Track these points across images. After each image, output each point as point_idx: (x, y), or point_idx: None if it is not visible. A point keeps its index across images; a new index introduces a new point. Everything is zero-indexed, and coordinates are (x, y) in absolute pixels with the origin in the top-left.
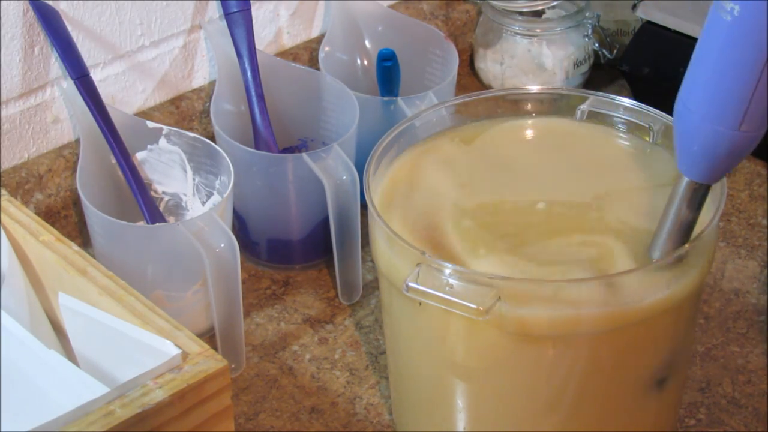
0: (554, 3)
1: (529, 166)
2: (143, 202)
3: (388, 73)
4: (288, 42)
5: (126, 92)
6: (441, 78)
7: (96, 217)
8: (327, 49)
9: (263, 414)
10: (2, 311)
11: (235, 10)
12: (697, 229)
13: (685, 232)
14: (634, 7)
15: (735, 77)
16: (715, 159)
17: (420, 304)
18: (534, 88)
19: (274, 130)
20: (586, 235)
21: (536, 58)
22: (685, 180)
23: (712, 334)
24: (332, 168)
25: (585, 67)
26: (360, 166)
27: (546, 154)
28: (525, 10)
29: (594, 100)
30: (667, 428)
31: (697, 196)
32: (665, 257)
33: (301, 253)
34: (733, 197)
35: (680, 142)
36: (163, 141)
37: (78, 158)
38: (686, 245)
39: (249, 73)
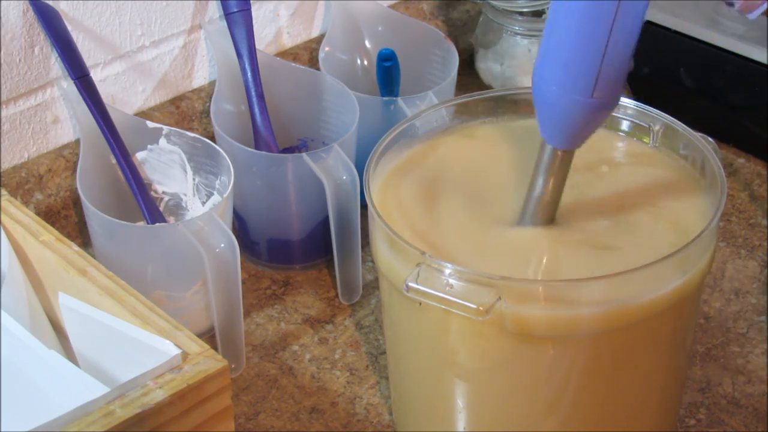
0: None
1: (528, 165)
2: (143, 202)
3: (388, 73)
4: (288, 42)
5: (126, 92)
6: (441, 78)
7: (96, 217)
8: (327, 49)
9: (263, 414)
10: (2, 311)
11: (235, 10)
12: (697, 229)
13: (552, 200)
14: None
15: (584, 47)
16: (573, 126)
17: (420, 304)
18: None
19: (274, 130)
20: (582, 233)
21: (536, 58)
22: (549, 147)
23: (712, 334)
24: (332, 168)
25: None
26: (360, 166)
27: None
28: (525, 10)
29: None
30: (667, 428)
31: (562, 162)
32: (537, 222)
33: (301, 253)
34: (733, 197)
35: (540, 111)
36: (163, 141)
37: (78, 158)
38: None
39: (249, 73)
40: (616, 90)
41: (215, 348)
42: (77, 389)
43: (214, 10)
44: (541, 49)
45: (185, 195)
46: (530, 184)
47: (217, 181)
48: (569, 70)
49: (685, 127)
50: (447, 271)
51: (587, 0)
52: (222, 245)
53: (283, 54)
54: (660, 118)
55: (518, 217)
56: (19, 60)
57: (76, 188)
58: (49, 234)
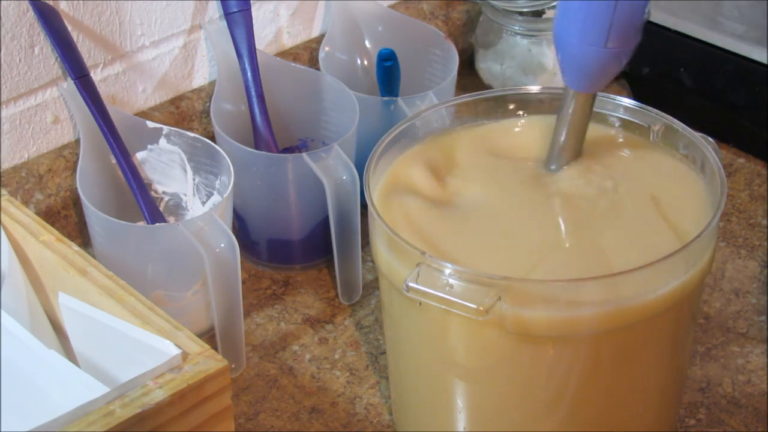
0: (554, 3)
1: (528, 164)
2: (143, 202)
3: (388, 73)
4: (288, 42)
5: (126, 92)
6: (441, 78)
7: (96, 217)
8: (327, 49)
9: (263, 414)
10: (2, 311)
11: (235, 10)
12: (697, 229)
13: (577, 140)
14: None
15: (597, 2)
16: (590, 73)
17: (420, 304)
18: (534, 88)
19: (274, 130)
20: (582, 233)
21: (536, 58)
22: (571, 92)
23: (712, 334)
24: (332, 168)
25: None
26: (360, 166)
27: (545, 153)
28: (525, 10)
29: None
30: (667, 428)
31: (583, 105)
32: (561, 165)
33: (301, 253)
34: (733, 197)
35: (562, 59)
36: (163, 141)
37: (78, 158)
38: None
39: (249, 73)
40: (629, 40)
41: (215, 348)
42: (77, 389)
43: (214, 10)
44: (559, 2)
45: (185, 195)
46: (554, 129)
47: (217, 181)
48: (583, 22)
49: (685, 127)
50: (447, 271)
51: None
52: (222, 245)
53: (283, 54)
54: (660, 118)
55: (546, 161)
56: (19, 60)
57: (76, 188)
58: (49, 234)
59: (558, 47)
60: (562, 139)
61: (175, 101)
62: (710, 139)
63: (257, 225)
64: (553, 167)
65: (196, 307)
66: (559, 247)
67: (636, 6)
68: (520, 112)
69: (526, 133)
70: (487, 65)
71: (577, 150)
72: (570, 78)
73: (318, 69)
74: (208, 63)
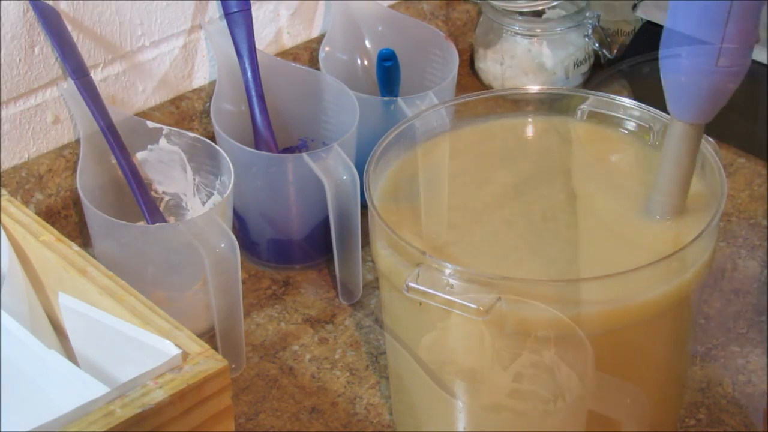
0: (554, 3)
1: (528, 165)
2: (143, 202)
3: (388, 73)
4: (288, 42)
5: (126, 92)
6: (441, 78)
7: (96, 217)
8: (327, 49)
9: (263, 414)
10: (2, 311)
11: (235, 10)
12: (697, 229)
13: (685, 179)
14: (634, 7)
15: (706, 18)
16: (700, 96)
17: (420, 304)
18: (534, 88)
19: (274, 130)
20: (582, 233)
21: (536, 58)
22: (678, 124)
23: (712, 334)
24: (332, 168)
25: (585, 67)
26: (360, 166)
27: (546, 153)
28: (525, 10)
29: (594, 100)
30: (667, 428)
31: (692, 139)
32: (668, 211)
33: (301, 253)
34: (733, 197)
35: (668, 86)
36: (163, 141)
37: (78, 158)
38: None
39: (249, 73)
40: (740, 58)
41: (215, 348)
42: (77, 389)
43: (214, 10)
44: (666, 24)
45: (185, 195)
46: (660, 170)
47: (217, 181)
48: (693, 41)
49: None
50: (447, 271)
51: None
52: (222, 245)
53: (283, 54)
54: (660, 118)
55: (645, 208)
56: (19, 60)
57: (76, 188)
58: (49, 234)
59: (664, 70)
60: (668, 179)
61: (175, 101)
62: (710, 139)
63: (257, 225)
64: (657, 217)
65: (196, 307)
66: (559, 247)
67: (749, 15)
68: (520, 112)
69: (526, 133)
70: (487, 65)
71: (684, 193)
72: (677, 105)
73: (318, 69)
74: (208, 63)
